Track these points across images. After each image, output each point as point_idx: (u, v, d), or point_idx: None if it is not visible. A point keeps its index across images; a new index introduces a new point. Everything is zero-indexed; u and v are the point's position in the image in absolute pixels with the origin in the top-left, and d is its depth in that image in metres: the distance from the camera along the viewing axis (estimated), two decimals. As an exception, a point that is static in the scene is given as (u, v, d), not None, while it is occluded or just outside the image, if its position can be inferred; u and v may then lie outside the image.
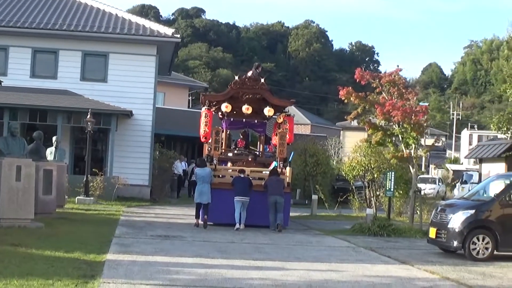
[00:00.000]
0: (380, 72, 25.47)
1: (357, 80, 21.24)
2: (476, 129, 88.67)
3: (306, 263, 12.72)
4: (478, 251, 14.50)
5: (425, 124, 21.03)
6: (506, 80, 28.52)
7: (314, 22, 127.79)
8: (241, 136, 22.79)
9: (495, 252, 14.61)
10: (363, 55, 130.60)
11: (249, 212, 18.98)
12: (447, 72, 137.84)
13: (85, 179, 24.48)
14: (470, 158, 48.26)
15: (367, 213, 20.75)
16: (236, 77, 20.74)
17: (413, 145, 20.59)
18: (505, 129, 26.35)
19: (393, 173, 20.53)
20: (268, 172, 19.91)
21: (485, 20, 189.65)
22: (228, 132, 22.07)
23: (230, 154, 21.31)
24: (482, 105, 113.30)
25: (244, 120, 21.02)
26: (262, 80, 20.58)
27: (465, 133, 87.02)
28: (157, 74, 29.23)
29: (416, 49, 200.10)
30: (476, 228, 14.62)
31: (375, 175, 24.03)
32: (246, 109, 20.22)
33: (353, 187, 25.89)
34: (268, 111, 20.41)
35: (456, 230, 14.66)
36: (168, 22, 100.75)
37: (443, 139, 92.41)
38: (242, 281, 10.39)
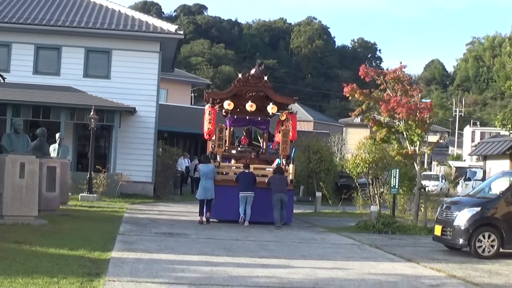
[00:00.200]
0: (383, 69, 25.39)
1: (362, 77, 21.14)
2: (478, 126, 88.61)
3: (312, 260, 12.66)
4: (484, 249, 14.42)
5: (429, 121, 20.95)
6: (510, 76, 28.43)
7: (316, 19, 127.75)
8: (245, 134, 22.81)
9: (501, 250, 14.54)
10: (365, 52, 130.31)
11: (253, 209, 19.02)
12: (449, 68, 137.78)
13: (88, 176, 24.44)
14: (474, 156, 48.10)
15: (372, 210, 20.68)
16: (240, 75, 20.79)
17: (418, 142, 20.51)
18: (509, 126, 26.28)
19: (397, 170, 20.46)
20: (271, 169, 19.92)
21: (487, 17, 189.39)
22: (231, 130, 22.08)
23: (233, 151, 21.37)
24: (484, 102, 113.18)
25: (247, 117, 21.16)
26: (265, 77, 20.63)
27: (467, 130, 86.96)
28: (160, 71, 29.17)
29: (419, 45, 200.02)
30: (482, 225, 14.54)
31: (379, 172, 23.97)
32: (250, 106, 20.24)
33: (357, 184, 25.85)
34: (271, 108, 20.49)
35: (462, 227, 14.59)
36: (170, 19, 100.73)
37: (446, 135, 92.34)
38: (248, 279, 10.33)
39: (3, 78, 17.30)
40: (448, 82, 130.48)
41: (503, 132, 33.17)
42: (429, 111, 20.28)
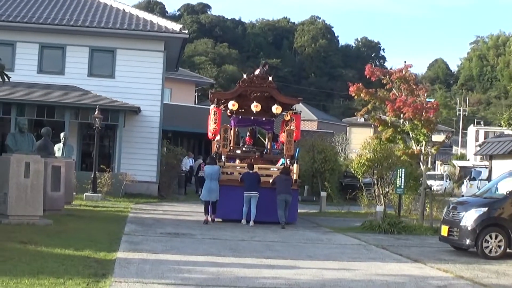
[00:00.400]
0: (387, 68, 25.33)
1: (367, 76, 21.10)
2: (482, 125, 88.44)
3: (318, 261, 12.59)
4: (491, 249, 14.35)
5: (435, 121, 20.87)
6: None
7: (320, 18, 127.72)
8: (249, 134, 22.82)
9: (508, 250, 14.45)
10: (369, 51, 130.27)
11: (258, 208, 19.02)
12: (453, 68, 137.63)
13: (92, 175, 24.39)
14: (479, 155, 47.98)
15: (377, 210, 20.61)
16: (244, 75, 20.82)
17: (424, 142, 20.43)
18: (516, 125, 26.18)
19: (403, 170, 20.38)
20: (275, 169, 19.90)
21: (491, 15, 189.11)
22: (236, 130, 22.08)
23: (238, 151, 21.39)
24: (488, 101, 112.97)
25: (252, 117, 21.20)
26: (270, 78, 20.65)
27: (471, 129, 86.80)
28: (165, 70, 29.12)
29: (422, 45, 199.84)
30: (489, 226, 14.46)
31: (384, 172, 23.89)
32: (255, 106, 20.28)
33: (362, 184, 25.77)
34: (276, 109, 20.60)
35: (469, 228, 14.50)
36: (174, 18, 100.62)
37: (450, 135, 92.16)
38: (255, 280, 10.27)
39: (8, 77, 17.23)
40: (452, 81, 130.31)
41: (507, 131, 33.07)
42: (435, 110, 20.22)
